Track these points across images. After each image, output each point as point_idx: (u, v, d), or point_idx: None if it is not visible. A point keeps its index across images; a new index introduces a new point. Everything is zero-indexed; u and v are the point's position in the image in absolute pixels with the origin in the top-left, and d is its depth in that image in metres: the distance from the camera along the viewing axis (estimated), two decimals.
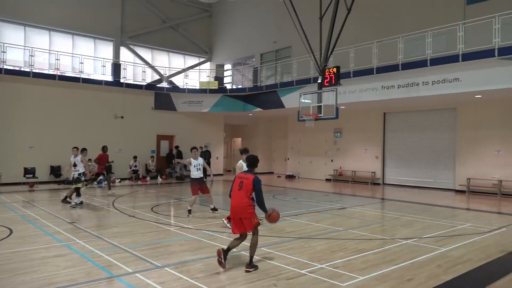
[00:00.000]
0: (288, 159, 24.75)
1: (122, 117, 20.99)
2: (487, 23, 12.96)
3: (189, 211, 10.62)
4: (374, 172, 19.69)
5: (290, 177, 23.55)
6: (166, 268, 6.04)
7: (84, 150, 12.58)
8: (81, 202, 12.09)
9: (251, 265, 6.03)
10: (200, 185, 10.77)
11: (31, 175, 17.60)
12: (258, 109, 21.78)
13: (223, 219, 9.37)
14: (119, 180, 19.88)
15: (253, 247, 6.10)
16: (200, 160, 10.86)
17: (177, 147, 22.26)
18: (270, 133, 27.24)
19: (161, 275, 5.78)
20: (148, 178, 20.74)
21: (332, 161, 21.38)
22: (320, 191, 16.79)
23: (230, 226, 7.26)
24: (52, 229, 8.77)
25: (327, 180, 21.35)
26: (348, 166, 20.82)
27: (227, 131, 26.97)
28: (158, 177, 20.89)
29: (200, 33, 27.54)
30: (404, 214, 11.16)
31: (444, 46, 14.53)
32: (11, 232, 8.44)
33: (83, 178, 12.13)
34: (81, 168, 12.04)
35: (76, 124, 19.57)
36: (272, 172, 26.60)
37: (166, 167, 22.28)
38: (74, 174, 12.00)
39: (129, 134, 21.20)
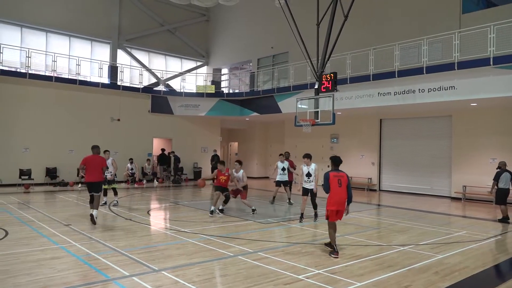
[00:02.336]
0: None
1: (118, 120, 20.94)
2: (482, 32, 13.10)
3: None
4: (370, 178, 19.74)
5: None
6: (163, 272, 6.02)
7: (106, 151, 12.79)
8: (105, 203, 12.79)
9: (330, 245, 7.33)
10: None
11: (26, 177, 17.52)
12: (255, 113, 21.81)
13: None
14: None
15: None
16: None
17: (163, 150, 22.40)
18: (267, 138, 27.27)
19: (157, 278, 5.76)
20: (144, 181, 20.67)
21: (328, 166, 21.36)
22: (316, 196, 16.77)
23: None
24: (48, 231, 8.71)
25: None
26: (344, 171, 20.82)
27: (224, 135, 26.96)
28: (155, 180, 20.82)
29: (197, 37, 27.60)
30: (401, 220, 11.20)
31: (440, 54, 14.67)
32: (7, 233, 8.38)
33: (116, 179, 13.22)
34: (113, 170, 12.74)
35: (72, 126, 19.51)
36: (268, 177, 26.56)
37: (163, 170, 22.22)
38: (106, 176, 12.30)
39: (125, 136, 21.14)
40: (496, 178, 11.40)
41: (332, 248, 7.22)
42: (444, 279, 5.99)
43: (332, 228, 7.34)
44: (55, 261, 6.50)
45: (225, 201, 11.57)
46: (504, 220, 11.20)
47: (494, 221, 11.49)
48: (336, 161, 7.71)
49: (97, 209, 9.77)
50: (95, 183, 9.77)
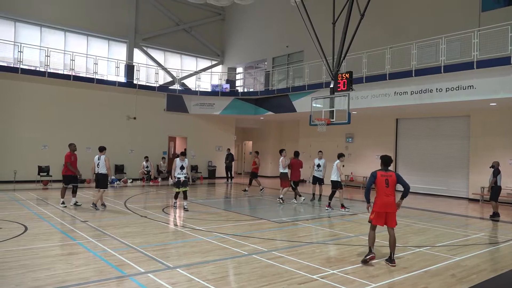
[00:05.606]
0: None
1: (134, 118, 21.18)
2: (502, 30, 12.82)
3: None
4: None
5: (301, 181, 23.39)
6: (178, 269, 6.07)
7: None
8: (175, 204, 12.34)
9: (392, 260, 6.65)
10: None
11: (45, 174, 17.85)
12: (270, 112, 21.80)
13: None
14: (131, 180, 20.04)
15: (394, 244, 6.76)
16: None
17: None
18: (281, 137, 27.22)
19: (172, 275, 5.80)
20: (159, 179, 20.85)
21: (343, 166, 21.23)
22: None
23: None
24: (66, 227, 8.88)
25: None
26: (359, 171, 20.69)
27: (238, 134, 27.00)
28: (169, 178, 20.96)
29: (213, 36, 27.70)
30: (416, 221, 11.05)
31: (458, 53, 14.41)
32: (26, 229, 8.57)
33: (190, 182, 12.40)
34: (187, 171, 12.09)
35: (89, 124, 19.81)
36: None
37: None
38: (180, 178, 11.89)
39: (141, 135, 21.38)
40: (496, 175, 12.07)
41: (369, 251, 6.80)
42: (461, 281, 5.90)
43: (373, 230, 6.92)
44: (72, 256, 6.62)
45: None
46: (496, 215, 11.85)
47: None
48: (386, 161, 7.04)
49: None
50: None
